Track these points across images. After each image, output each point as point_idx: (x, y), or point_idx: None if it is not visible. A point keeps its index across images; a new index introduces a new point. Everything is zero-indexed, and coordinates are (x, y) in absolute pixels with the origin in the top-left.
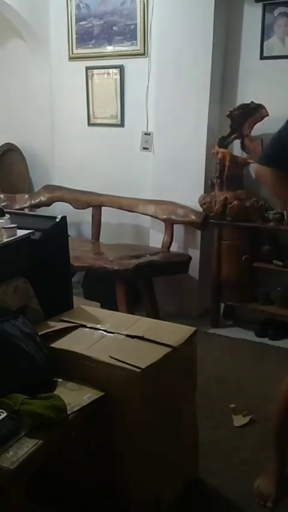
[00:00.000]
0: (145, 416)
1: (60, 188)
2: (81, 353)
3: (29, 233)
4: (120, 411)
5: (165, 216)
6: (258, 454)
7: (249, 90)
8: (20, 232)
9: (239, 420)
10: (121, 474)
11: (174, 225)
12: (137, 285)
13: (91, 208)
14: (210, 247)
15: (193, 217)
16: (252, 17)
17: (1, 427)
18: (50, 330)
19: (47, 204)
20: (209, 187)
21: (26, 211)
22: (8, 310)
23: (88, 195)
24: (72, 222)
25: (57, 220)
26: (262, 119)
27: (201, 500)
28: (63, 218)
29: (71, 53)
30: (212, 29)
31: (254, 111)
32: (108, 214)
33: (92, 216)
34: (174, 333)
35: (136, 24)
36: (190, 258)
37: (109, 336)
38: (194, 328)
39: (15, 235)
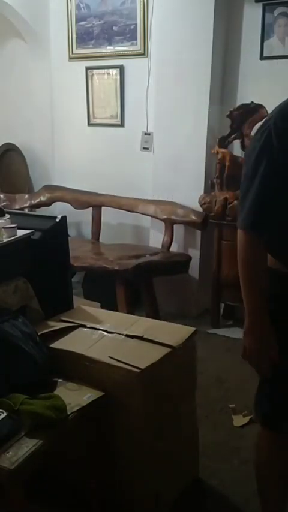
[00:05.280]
0: (145, 417)
1: (60, 188)
2: (81, 353)
3: (29, 233)
4: (120, 411)
5: (165, 216)
6: None
7: (249, 90)
8: (20, 232)
9: (239, 420)
10: (121, 474)
11: (174, 225)
12: (137, 285)
13: (91, 208)
14: (210, 247)
15: (193, 217)
16: (252, 17)
17: (1, 427)
18: (50, 330)
19: (47, 204)
20: (209, 187)
21: (26, 211)
22: (8, 310)
23: (88, 195)
24: (72, 222)
25: (57, 220)
26: (262, 118)
27: (201, 500)
28: (63, 218)
29: (71, 53)
30: (212, 29)
31: (254, 111)
32: (108, 214)
33: (92, 216)
34: (174, 333)
35: (136, 24)
36: (190, 258)
37: (109, 336)
38: (194, 328)
39: (15, 235)
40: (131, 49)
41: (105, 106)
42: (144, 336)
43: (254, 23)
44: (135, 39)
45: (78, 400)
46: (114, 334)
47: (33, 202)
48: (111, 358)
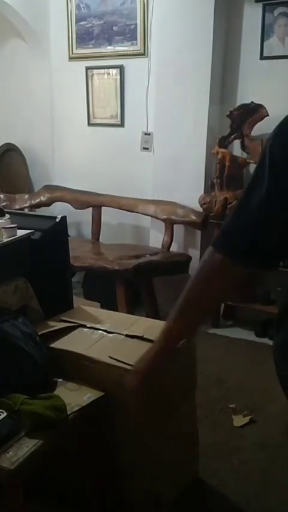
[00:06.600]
0: (145, 417)
1: (60, 188)
2: (81, 353)
3: (29, 233)
4: (120, 411)
5: (165, 216)
6: (258, 454)
7: (249, 90)
8: (20, 232)
9: (239, 420)
10: (121, 474)
11: (174, 225)
12: (137, 285)
13: (91, 208)
14: None
15: (193, 217)
16: (252, 17)
17: (1, 427)
18: (50, 330)
19: (47, 204)
20: (209, 187)
21: (26, 211)
22: (8, 310)
23: (88, 195)
24: (72, 222)
25: (57, 220)
26: (262, 118)
27: (201, 500)
28: (63, 218)
29: (71, 53)
30: (212, 29)
31: (254, 111)
32: (108, 214)
33: (92, 216)
34: None
35: (136, 24)
36: (190, 258)
37: (109, 336)
38: None
39: (15, 235)
40: (131, 49)
41: (105, 106)
42: (144, 336)
43: (254, 23)
44: (135, 39)
45: (78, 400)
46: (114, 334)
47: (33, 202)
48: (111, 358)
